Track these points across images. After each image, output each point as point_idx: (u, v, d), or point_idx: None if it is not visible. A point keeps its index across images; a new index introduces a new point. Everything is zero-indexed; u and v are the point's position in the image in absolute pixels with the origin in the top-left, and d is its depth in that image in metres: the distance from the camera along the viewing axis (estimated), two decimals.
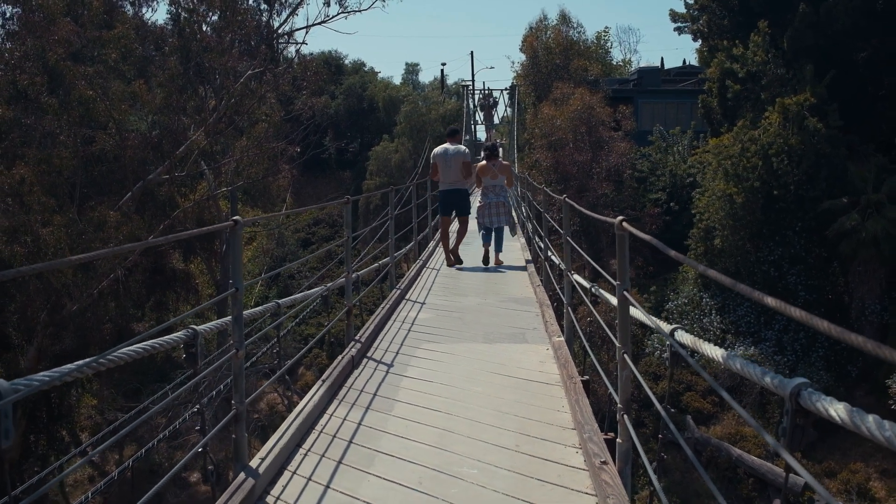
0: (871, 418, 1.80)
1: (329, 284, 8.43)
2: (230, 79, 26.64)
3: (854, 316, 26.94)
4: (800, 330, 26.87)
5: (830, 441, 23.68)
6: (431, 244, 17.05)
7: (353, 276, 9.17)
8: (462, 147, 13.93)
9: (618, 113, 35.60)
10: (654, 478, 3.80)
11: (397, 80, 67.49)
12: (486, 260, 14.25)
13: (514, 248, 16.35)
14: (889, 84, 28.50)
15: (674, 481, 22.12)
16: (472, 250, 15.31)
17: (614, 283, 4.97)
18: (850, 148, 28.26)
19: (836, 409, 2.02)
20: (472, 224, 15.48)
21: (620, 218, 4.87)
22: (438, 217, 15.12)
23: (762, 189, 27.59)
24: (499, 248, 14.32)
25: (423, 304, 10.81)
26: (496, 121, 55.72)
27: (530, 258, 14.73)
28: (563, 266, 8.53)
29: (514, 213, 17.49)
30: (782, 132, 27.62)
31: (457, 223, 14.62)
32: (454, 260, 14.41)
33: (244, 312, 5.33)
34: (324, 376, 6.84)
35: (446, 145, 13.73)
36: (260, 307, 6.39)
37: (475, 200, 16.37)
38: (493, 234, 14.24)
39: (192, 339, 4.40)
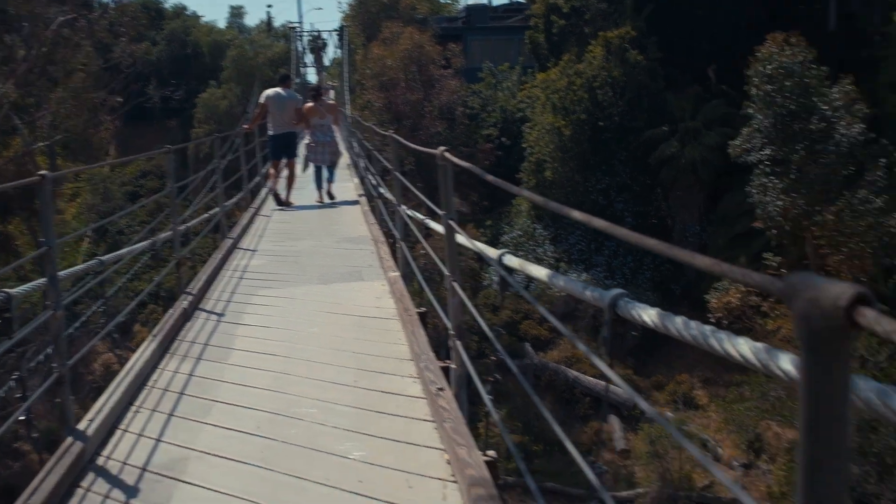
0: (678, 320, 1.90)
1: (155, 238, 8.13)
2: (40, 26, 24.98)
3: (676, 238, 28.38)
4: (628, 255, 28.14)
5: (658, 356, 25.07)
6: (263, 191, 16.71)
7: (182, 227, 8.91)
8: (296, 94, 14.35)
9: (447, 51, 35.67)
10: (486, 398, 3.89)
11: (222, 25, 65.12)
12: (320, 199, 14.66)
13: (348, 189, 16.45)
14: (703, 17, 29.74)
15: (516, 406, 22.87)
16: (305, 193, 15.28)
17: (440, 212, 5.03)
18: (668, 79, 29.44)
19: (649, 315, 2.12)
20: (305, 173, 15.69)
21: (442, 148, 4.91)
22: (269, 162, 15.37)
23: (588, 121, 28.46)
24: (331, 179, 14.77)
25: (257, 251, 10.63)
26: (326, 63, 54.83)
27: (363, 193, 14.96)
28: (395, 202, 8.56)
29: (343, 151, 17.99)
30: (606, 65, 28.49)
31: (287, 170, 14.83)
32: (286, 203, 14.53)
33: (64, 272, 5.10)
34: (154, 331, 6.63)
35: (278, 90, 13.88)
36: (81, 265, 6.12)
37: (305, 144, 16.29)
38: (325, 170, 14.71)
39: (6, 303, 4.17)
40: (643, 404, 1.99)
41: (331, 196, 14.73)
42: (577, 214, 2.41)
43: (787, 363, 1.35)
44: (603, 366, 2.29)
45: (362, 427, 4.60)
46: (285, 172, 14.87)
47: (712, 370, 23.31)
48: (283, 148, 14.19)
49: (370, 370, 5.58)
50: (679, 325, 1.91)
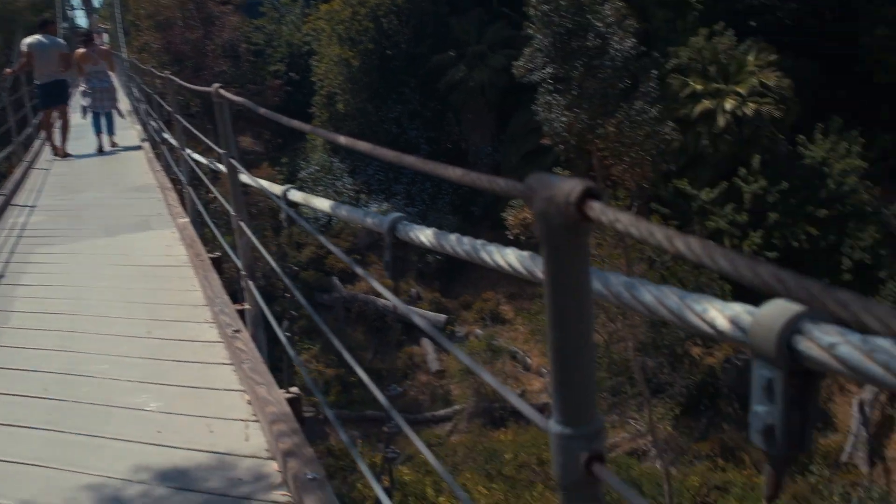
0: (452, 237, 1.94)
1: None
2: None
3: (471, 160, 29.01)
4: (425, 181, 28.52)
5: (463, 276, 25.79)
6: (37, 142, 15.68)
7: None
8: (59, 39, 13.85)
9: None
10: (282, 336, 3.90)
11: None
12: (100, 148, 14.06)
13: (130, 136, 15.61)
14: None
15: (327, 341, 22.89)
16: (85, 143, 14.45)
17: (220, 151, 4.92)
18: (451, 4, 29.67)
19: (426, 235, 2.15)
20: (85, 121, 14.81)
21: (217, 85, 4.80)
22: (41, 112, 14.52)
23: (376, 50, 28.34)
24: (111, 132, 14.26)
25: (35, 206, 10.00)
26: (97, 4, 51.52)
27: (146, 138, 14.47)
28: (179, 146, 8.28)
29: (122, 97, 17.54)
30: None
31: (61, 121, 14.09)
32: (63, 153, 13.86)
33: None
34: None
35: (39, 37, 13.21)
36: None
37: (79, 92, 15.52)
38: (104, 118, 14.14)
39: None
40: (418, 321, 2.04)
41: (113, 144, 14.27)
42: (342, 140, 2.43)
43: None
44: (384, 290, 2.33)
45: (158, 377, 4.51)
46: (60, 122, 14.04)
47: (516, 285, 24.20)
48: (53, 97, 13.50)
49: (163, 319, 5.46)
50: (453, 241, 1.95)
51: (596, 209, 0.98)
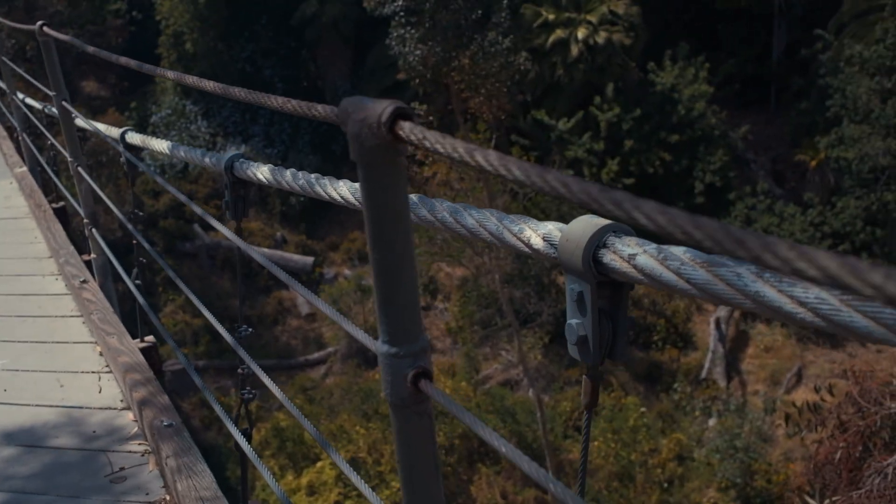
0: (287, 173, 1.94)
1: None
2: None
3: (329, 98, 28.51)
4: (284, 121, 27.93)
5: (328, 217, 25.52)
6: None
7: None
8: None
9: None
10: (131, 285, 3.77)
11: None
12: None
13: None
14: None
15: (194, 289, 22.29)
16: None
17: (50, 93, 4.64)
18: None
19: (263, 172, 2.16)
20: None
21: (40, 23, 4.51)
22: None
23: None
24: None
25: None
26: None
27: None
28: (8, 90, 7.73)
29: None
30: None
31: None
32: None
33: None
34: None
35: None
36: None
37: None
38: None
39: None
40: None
41: None
42: (170, 74, 2.29)
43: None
44: (225, 229, 2.26)
45: (5, 335, 4.29)
46: None
47: None
48: None
49: (5, 274, 5.21)
50: (289, 177, 1.97)
51: (406, 129, 0.97)
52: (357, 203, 1.54)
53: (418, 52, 19.07)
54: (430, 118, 21.77)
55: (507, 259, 19.67)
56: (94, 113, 26.16)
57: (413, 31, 19.15)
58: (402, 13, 19.27)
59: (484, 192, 19.28)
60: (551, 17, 23.93)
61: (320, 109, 1.29)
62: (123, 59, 3.33)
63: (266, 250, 23.83)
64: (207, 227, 25.19)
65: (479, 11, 19.31)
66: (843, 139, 21.65)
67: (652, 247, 0.89)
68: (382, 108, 0.98)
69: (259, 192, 24.77)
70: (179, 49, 28.45)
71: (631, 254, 0.90)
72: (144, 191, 24.93)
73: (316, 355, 21.79)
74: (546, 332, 20.23)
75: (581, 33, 23.27)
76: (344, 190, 1.62)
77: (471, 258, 19.17)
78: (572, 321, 0.97)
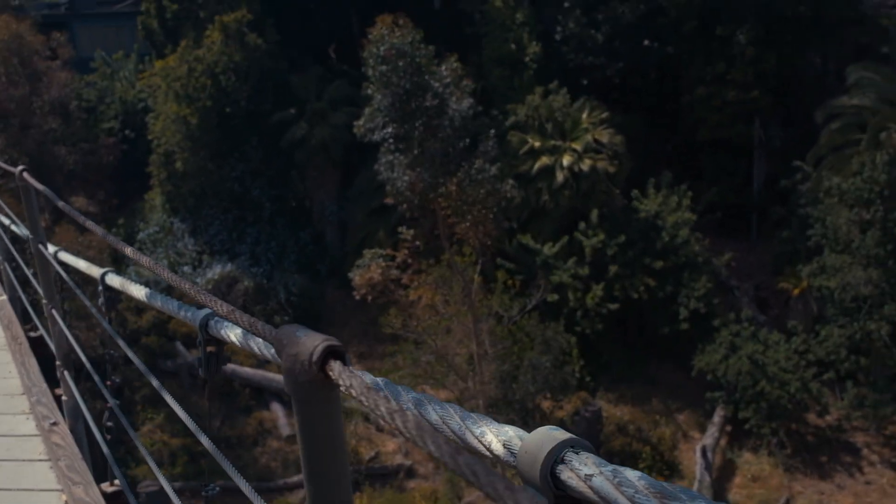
0: (259, 340, 1.89)
1: None
2: None
3: (316, 218, 28.80)
4: (271, 240, 28.08)
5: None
6: None
7: None
8: None
9: (52, 40, 32.94)
10: (96, 431, 3.70)
11: None
12: None
13: None
14: None
15: (170, 413, 22.07)
16: None
17: (28, 236, 4.64)
18: (290, 60, 29.59)
19: (235, 334, 2.15)
20: None
21: (20, 168, 4.55)
22: None
23: (215, 107, 27.81)
24: None
25: None
26: None
27: None
28: None
29: None
30: (226, 49, 27.93)
31: None
32: None
33: None
34: None
35: None
36: None
37: None
38: None
39: None
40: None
41: None
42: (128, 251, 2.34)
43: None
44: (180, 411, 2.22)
45: None
46: None
47: (366, 345, 24.07)
48: None
49: None
50: (260, 344, 1.94)
51: (335, 370, 0.99)
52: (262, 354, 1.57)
53: (406, 177, 19.34)
54: (417, 242, 21.90)
55: (490, 384, 19.50)
56: (82, 230, 26.25)
57: (402, 157, 19.47)
58: (391, 140, 19.62)
59: (469, 317, 19.26)
60: (537, 144, 24.46)
61: (259, 328, 1.31)
62: (101, 232, 3.33)
63: (248, 369, 23.59)
64: (189, 345, 24.96)
65: (467, 140, 19.70)
66: (825, 268, 21.90)
67: (608, 468, 0.89)
68: (314, 345, 1.00)
69: (244, 308, 24.56)
70: (169, 168, 28.79)
71: (588, 474, 0.90)
72: (128, 307, 24.78)
73: (296, 478, 21.27)
74: None
75: (566, 160, 23.74)
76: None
77: (454, 382, 19.00)
78: None
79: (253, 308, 25.03)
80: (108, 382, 3.87)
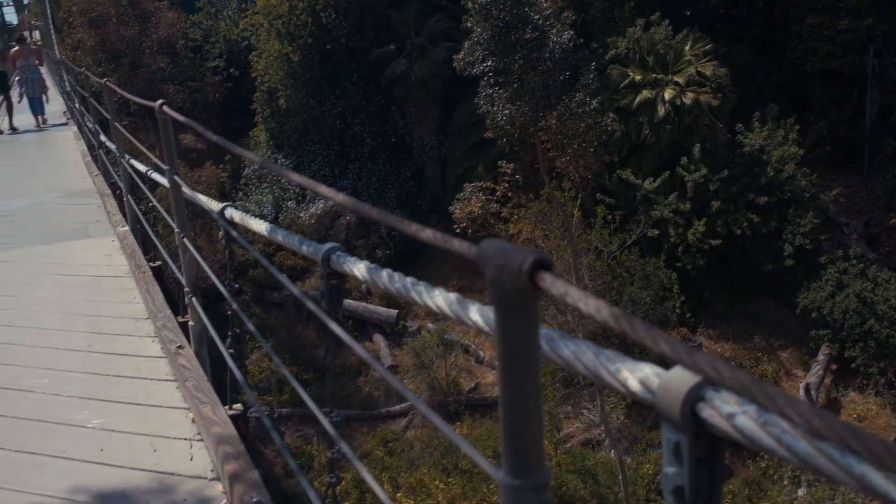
0: (384, 273, 1.95)
1: None
2: None
3: (416, 154, 28.97)
4: (372, 175, 28.44)
5: (414, 270, 25.63)
6: None
7: None
8: None
9: None
10: (225, 353, 3.86)
11: None
12: (37, 124, 18.06)
13: (56, 113, 19.30)
14: None
15: (280, 339, 22.83)
16: (24, 119, 18.15)
17: (164, 167, 4.85)
18: None
19: (359, 269, 2.16)
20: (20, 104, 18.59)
21: (160, 102, 4.72)
22: None
23: (316, 45, 28.10)
24: (41, 111, 18.24)
25: None
26: (26, 1, 50.29)
27: (69, 115, 18.08)
28: (117, 152, 8.12)
29: (49, 84, 20.91)
30: None
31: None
32: (10, 127, 17.73)
33: None
34: None
35: None
36: None
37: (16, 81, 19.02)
38: (36, 101, 18.14)
39: None
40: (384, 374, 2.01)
41: (44, 121, 18.17)
42: (295, 177, 2.44)
43: (475, 314, 1.43)
44: (328, 319, 2.32)
45: (99, 393, 4.44)
46: (5, 104, 18.02)
47: (467, 278, 24.27)
48: None
49: (104, 333, 5.38)
50: (385, 279, 1.98)
51: (547, 280, 1.03)
52: (452, 315, 1.54)
53: (506, 111, 19.21)
54: (517, 176, 21.86)
55: (589, 319, 19.46)
56: (192, 166, 27.10)
57: (501, 91, 19.33)
58: (490, 73, 19.48)
59: (569, 252, 19.23)
60: (638, 77, 23.97)
61: (456, 245, 1.34)
62: (238, 149, 3.47)
63: (352, 301, 24.13)
64: (296, 277, 25.67)
65: (567, 73, 19.40)
66: None
67: (752, 408, 0.88)
68: (523, 257, 1.04)
69: (346, 242, 25.13)
70: (273, 105, 29.33)
71: (730, 412, 0.89)
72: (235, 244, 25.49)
73: (397, 407, 21.82)
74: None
75: (668, 94, 23.22)
76: (440, 300, 1.61)
77: (553, 316, 19.06)
78: (668, 469, 0.97)
79: (355, 242, 25.51)
80: (229, 312, 4.08)
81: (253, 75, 30.39)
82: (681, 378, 0.95)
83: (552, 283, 1.03)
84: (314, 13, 27.93)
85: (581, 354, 1.13)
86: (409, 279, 1.84)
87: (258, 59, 30.16)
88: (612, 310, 0.99)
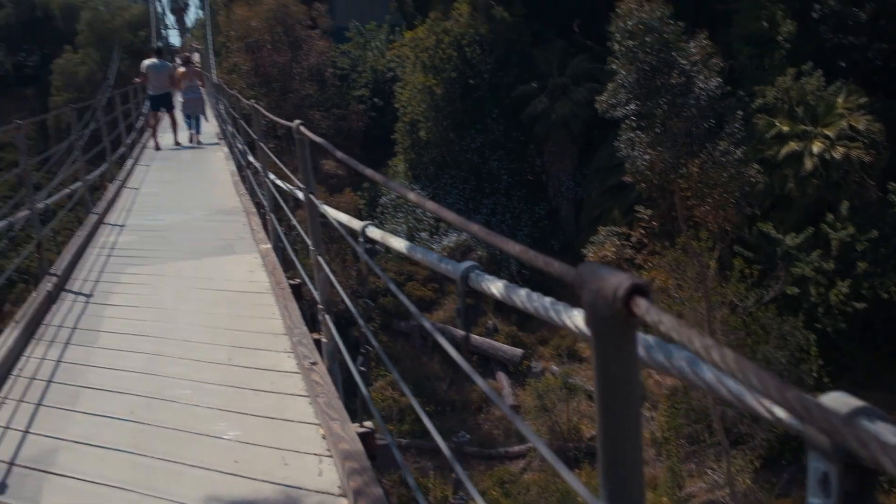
0: (522, 292, 1.94)
1: (12, 218, 7.72)
2: None
3: (552, 193, 28.91)
4: (506, 212, 28.52)
5: None
6: (129, 162, 16.35)
7: (41, 205, 8.51)
8: (169, 63, 19.50)
9: (313, 10, 35.00)
10: (355, 371, 3.94)
11: None
12: (191, 139, 19.23)
13: (210, 133, 20.34)
14: None
15: (404, 368, 23.00)
16: (181, 137, 19.21)
17: (301, 186, 4.99)
18: (534, 34, 29.74)
19: (497, 287, 2.17)
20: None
21: (297, 122, 4.86)
22: (149, 112, 19.92)
23: (459, 79, 28.52)
24: (198, 130, 19.44)
25: (125, 226, 10.27)
26: (189, 24, 53.02)
27: (221, 136, 19.20)
28: (262, 172, 8.40)
29: (207, 105, 22.06)
30: (473, 22, 28.55)
31: (168, 119, 19.06)
32: (175, 142, 18.84)
33: None
34: (16, 317, 6.35)
35: (154, 60, 18.38)
36: None
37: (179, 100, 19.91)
38: (194, 120, 19.41)
39: None
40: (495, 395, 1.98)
41: (199, 141, 19.18)
42: (430, 205, 2.47)
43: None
44: (449, 347, 2.31)
45: (237, 406, 4.57)
46: (167, 122, 19.15)
47: None
48: (163, 103, 18.40)
49: (244, 347, 5.53)
50: (523, 297, 1.96)
51: (642, 307, 1.01)
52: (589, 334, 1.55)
53: (647, 156, 18.98)
54: (653, 223, 21.51)
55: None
56: (331, 191, 27.79)
57: (643, 135, 19.13)
58: (633, 117, 19.32)
59: (702, 304, 18.73)
60: (786, 128, 23.25)
61: (556, 266, 1.33)
62: (370, 172, 3.52)
63: (477, 337, 24.13)
64: (424, 308, 25.87)
65: (712, 121, 19.04)
66: None
67: None
68: (619, 282, 1.02)
69: None
70: (413, 136, 29.86)
71: (888, 444, 0.83)
72: (366, 267, 25.94)
73: (516, 448, 21.58)
74: (757, 456, 19.02)
75: (816, 147, 22.42)
76: (578, 319, 1.57)
77: None
78: (814, 501, 0.93)
79: (478, 295, 25.47)
80: (362, 330, 4.12)
81: (396, 106, 31.06)
82: (833, 404, 0.90)
83: (647, 310, 1.00)
84: (460, 48, 28.38)
85: (725, 379, 1.06)
86: (547, 298, 1.80)
87: (402, 90, 30.82)
88: (705, 340, 0.96)
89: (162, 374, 5.14)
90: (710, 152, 18.76)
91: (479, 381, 1.92)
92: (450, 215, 2.20)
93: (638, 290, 1.01)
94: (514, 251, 1.56)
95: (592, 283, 1.05)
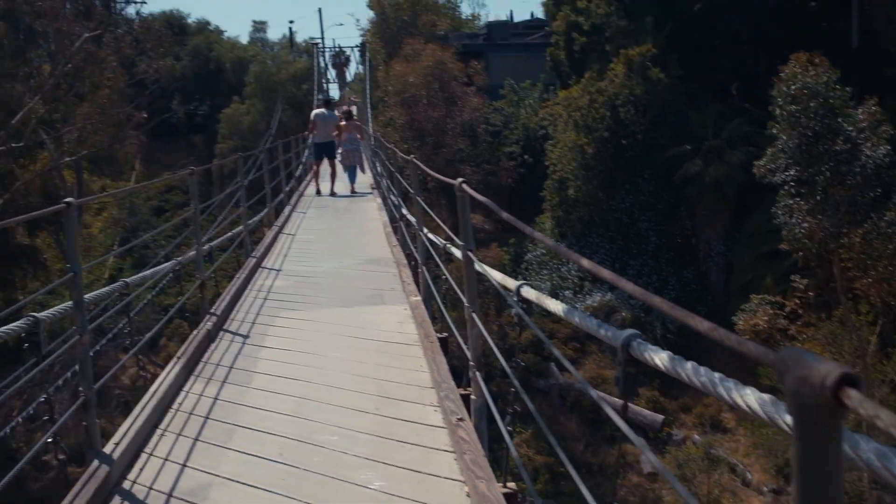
0: (688, 365, 1.91)
1: (180, 258, 8.16)
2: (66, 42, 25.31)
3: (702, 257, 28.19)
4: (653, 274, 27.97)
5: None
6: (287, 209, 17.00)
7: (206, 247, 8.94)
8: (335, 113, 20.77)
9: (469, 68, 35.72)
10: (504, 431, 3.95)
11: (244, 39, 64.52)
12: (351, 190, 19.92)
13: (364, 184, 21.19)
14: (722, 33, 29.68)
15: (537, 430, 22.74)
16: (340, 185, 20.30)
17: (459, 242, 5.03)
18: (690, 96, 29.33)
19: (661, 358, 2.14)
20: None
21: (460, 180, 4.91)
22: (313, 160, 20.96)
23: (611, 139, 28.36)
24: (353, 180, 20.16)
25: (280, 270, 10.66)
26: (349, 78, 54.95)
27: (375, 186, 20.27)
28: (416, 225, 8.56)
29: (364, 157, 22.80)
30: (627, 83, 28.42)
31: (328, 166, 20.34)
32: (330, 192, 19.83)
33: (90, 295, 5.15)
34: (179, 353, 6.67)
35: (323, 110, 19.84)
36: (107, 288, 6.13)
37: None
38: (351, 170, 20.18)
39: (34, 326, 4.20)
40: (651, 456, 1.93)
41: (354, 190, 19.92)
42: (585, 263, 2.47)
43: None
44: (610, 410, 2.27)
45: (383, 456, 4.61)
46: (328, 171, 20.43)
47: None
48: (327, 152, 19.79)
49: (391, 397, 5.60)
50: (689, 370, 1.93)
51: (854, 399, 0.95)
52: (764, 416, 1.47)
53: (805, 224, 18.29)
54: (809, 293, 20.61)
55: None
56: (478, 245, 27.89)
57: (802, 202, 18.45)
58: (792, 183, 18.69)
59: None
60: None
61: (752, 349, 1.27)
62: (539, 235, 3.52)
63: (618, 400, 23.59)
64: (562, 368, 25.60)
65: (879, 190, 18.21)
66: None
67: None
68: (828, 371, 0.97)
69: None
70: (562, 194, 29.82)
71: None
72: (508, 322, 25.99)
73: None
74: None
75: None
76: (752, 399, 1.55)
77: None
78: None
79: (637, 364, 24.99)
80: (512, 389, 4.10)
81: (546, 163, 31.13)
82: None
83: (860, 403, 0.94)
84: (613, 108, 28.28)
85: None
86: (716, 374, 1.78)
87: (553, 148, 30.90)
88: None
89: (311, 419, 5.26)
90: (876, 222, 17.91)
91: (649, 454, 1.88)
92: (629, 286, 2.20)
93: (848, 381, 0.96)
94: (701, 328, 1.52)
95: (798, 370, 1.00)
